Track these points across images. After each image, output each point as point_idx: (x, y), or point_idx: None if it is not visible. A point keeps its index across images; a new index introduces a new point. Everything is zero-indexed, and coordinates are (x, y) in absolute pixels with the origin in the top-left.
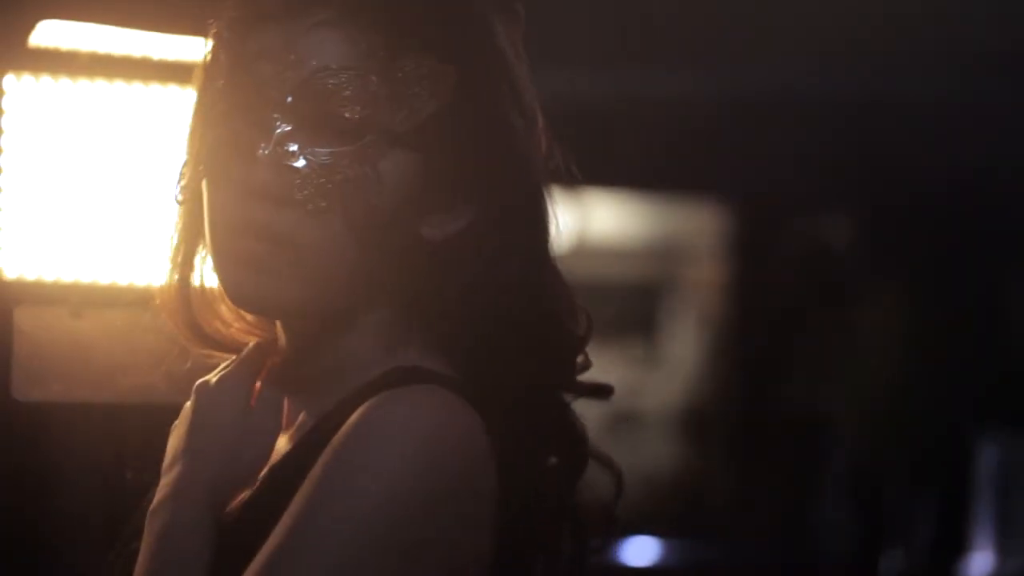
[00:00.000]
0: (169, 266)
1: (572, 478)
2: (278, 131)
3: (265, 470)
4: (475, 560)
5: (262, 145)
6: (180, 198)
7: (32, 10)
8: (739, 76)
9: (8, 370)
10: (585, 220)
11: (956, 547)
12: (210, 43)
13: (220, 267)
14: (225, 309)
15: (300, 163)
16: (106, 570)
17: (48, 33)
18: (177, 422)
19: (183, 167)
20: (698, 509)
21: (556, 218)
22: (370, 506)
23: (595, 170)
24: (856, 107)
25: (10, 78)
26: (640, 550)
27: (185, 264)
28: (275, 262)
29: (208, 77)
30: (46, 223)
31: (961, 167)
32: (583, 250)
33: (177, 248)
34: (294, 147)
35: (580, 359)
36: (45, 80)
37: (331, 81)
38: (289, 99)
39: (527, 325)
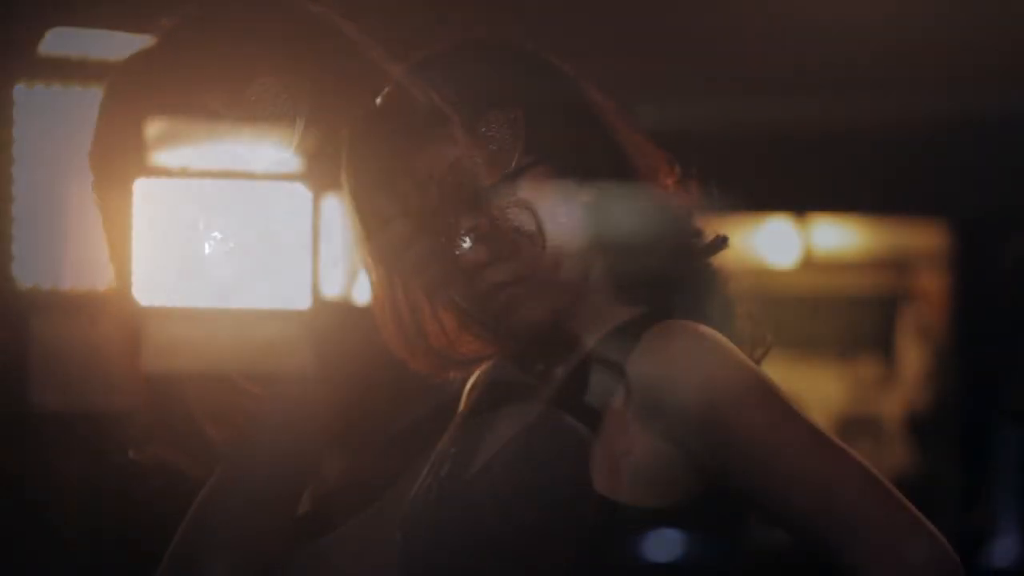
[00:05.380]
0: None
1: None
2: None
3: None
4: None
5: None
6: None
7: (41, 17)
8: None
9: (25, 378)
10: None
11: (980, 534)
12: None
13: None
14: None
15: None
16: None
17: (58, 40)
18: None
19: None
20: None
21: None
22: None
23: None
24: None
25: (20, 88)
26: None
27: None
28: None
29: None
30: (61, 232)
31: None
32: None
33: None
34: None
35: None
36: (56, 88)
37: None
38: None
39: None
